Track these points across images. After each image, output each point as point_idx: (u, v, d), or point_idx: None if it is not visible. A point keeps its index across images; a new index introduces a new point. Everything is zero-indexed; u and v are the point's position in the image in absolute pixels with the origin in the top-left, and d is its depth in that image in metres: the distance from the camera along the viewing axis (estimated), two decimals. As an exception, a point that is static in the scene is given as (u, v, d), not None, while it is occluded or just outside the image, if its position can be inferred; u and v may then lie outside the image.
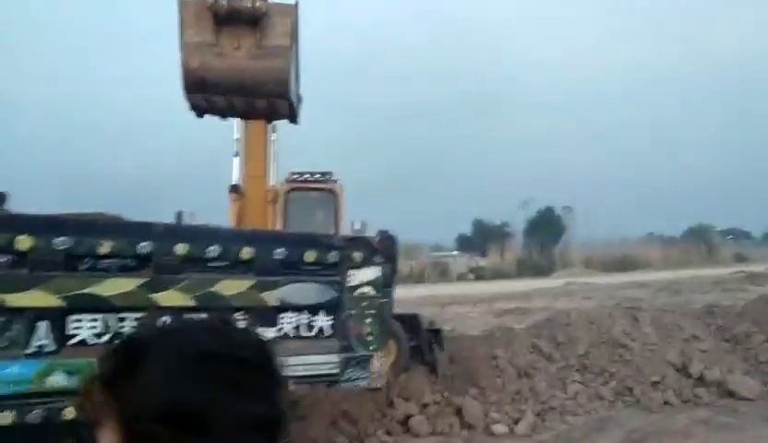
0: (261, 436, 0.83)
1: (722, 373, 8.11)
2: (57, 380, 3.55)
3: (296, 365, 4.37)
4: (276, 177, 8.61)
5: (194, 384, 0.79)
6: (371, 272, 4.70)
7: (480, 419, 7.01)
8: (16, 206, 3.88)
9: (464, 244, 61.65)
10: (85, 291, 3.65)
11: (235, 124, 7.91)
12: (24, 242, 3.46)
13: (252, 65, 5.32)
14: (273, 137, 8.17)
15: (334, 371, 4.54)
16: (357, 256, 4.65)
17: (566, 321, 9.45)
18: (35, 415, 3.48)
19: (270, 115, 6.62)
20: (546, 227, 59.34)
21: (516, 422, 7.01)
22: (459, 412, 7.06)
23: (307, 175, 8.76)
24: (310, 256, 4.47)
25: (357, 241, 4.72)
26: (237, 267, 4.22)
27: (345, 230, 8.47)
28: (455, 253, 57.04)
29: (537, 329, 9.31)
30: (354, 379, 4.59)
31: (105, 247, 3.71)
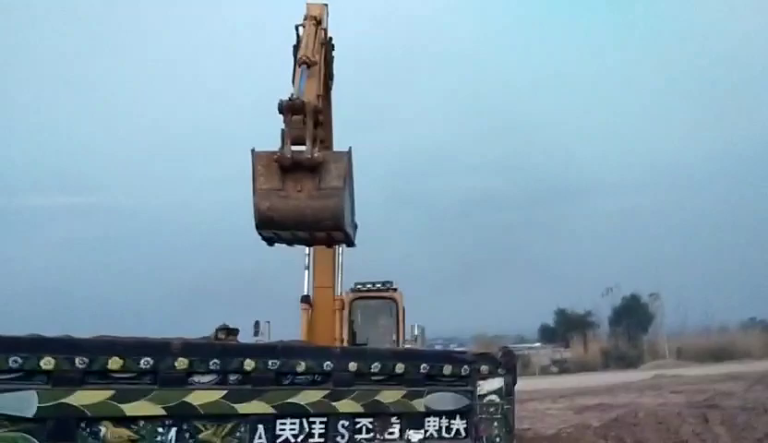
0: None
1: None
2: (271, 470, 4.68)
3: (440, 461, 5.34)
4: (342, 287, 9.78)
5: None
6: (496, 382, 5.69)
7: None
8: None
9: (547, 334, 60.43)
10: (288, 400, 4.82)
11: None
12: (249, 364, 4.69)
13: (311, 205, 6.19)
14: (340, 250, 9.40)
15: (470, 467, 5.47)
16: (484, 368, 5.67)
17: (633, 421, 9.74)
18: (256, 499, 4.59)
19: (329, 243, 7.73)
20: (633, 316, 57.65)
21: None
22: None
23: (369, 285, 9.90)
24: (447, 369, 5.53)
25: (484, 356, 5.73)
26: (393, 379, 5.31)
27: (406, 333, 9.45)
28: (537, 345, 56.07)
29: (604, 430, 9.64)
30: (486, 475, 5.50)
31: (301, 366, 4.90)
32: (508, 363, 5.80)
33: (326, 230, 6.58)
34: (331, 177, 6.17)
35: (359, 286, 9.80)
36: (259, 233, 6.61)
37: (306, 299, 9.30)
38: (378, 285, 9.77)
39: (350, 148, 6.50)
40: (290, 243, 7.24)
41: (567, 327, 57.35)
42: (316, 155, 6.18)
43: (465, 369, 5.59)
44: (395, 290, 9.71)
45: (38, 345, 4.06)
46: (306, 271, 9.53)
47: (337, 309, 9.20)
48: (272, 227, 6.50)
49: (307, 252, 9.51)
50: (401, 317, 9.47)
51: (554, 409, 18.87)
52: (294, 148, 6.17)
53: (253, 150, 6.31)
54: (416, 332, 8.72)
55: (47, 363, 4.01)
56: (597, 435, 9.53)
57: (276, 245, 7.81)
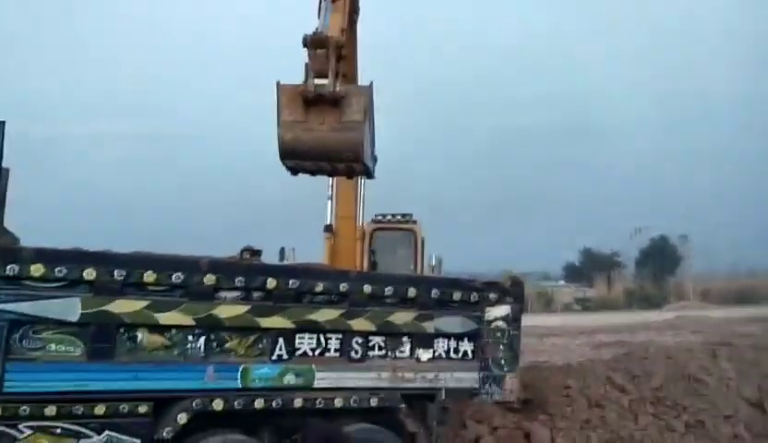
0: None
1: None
2: (289, 379, 5.13)
3: (447, 379, 5.76)
4: (363, 218, 10.09)
5: None
6: (503, 309, 6.03)
7: None
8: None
9: (572, 273, 60.65)
10: (306, 317, 5.22)
11: None
12: (271, 283, 5.08)
13: (333, 137, 6.43)
14: (362, 182, 9.66)
15: (475, 386, 5.88)
16: (493, 296, 6.00)
17: (644, 355, 9.88)
18: (276, 403, 5.06)
19: (349, 174, 7.96)
20: (660, 257, 57.37)
21: None
22: (527, 436, 7.73)
23: (390, 216, 10.17)
24: (457, 295, 5.87)
25: (493, 284, 6.05)
26: (405, 302, 5.67)
27: (425, 265, 9.77)
28: (561, 283, 56.42)
29: (615, 363, 9.72)
30: (490, 393, 5.91)
31: (319, 287, 5.28)
32: (516, 291, 6.12)
33: (346, 161, 6.84)
34: (353, 111, 6.36)
35: (379, 217, 10.12)
36: (283, 163, 6.94)
37: (328, 228, 9.76)
38: (398, 217, 10.07)
39: (371, 82, 6.66)
40: (312, 173, 7.50)
41: (592, 266, 57.46)
42: (338, 89, 6.35)
43: (474, 296, 5.92)
44: (414, 222, 9.99)
45: (80, 258, 4.48)
46: (330, 202, 9.97)
47: (358, 239, 9.62)
48: (295, 157, 6.78)
49: (331, 183, 9.93)
50: (419, 248, 9.78)
51: (572, 344, 19.29)
52: (318, 81, 6.39)
53: (278, 83, 6.51)
54: (434, 263, 9.07)
55: (89, 274, 4.43)
56: (606, 366, 9.82)
57: (300, 175, 8.18)
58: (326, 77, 6.31)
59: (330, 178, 9.28)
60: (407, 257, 9.81)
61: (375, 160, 7.29)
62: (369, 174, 7.55)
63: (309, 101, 6.36)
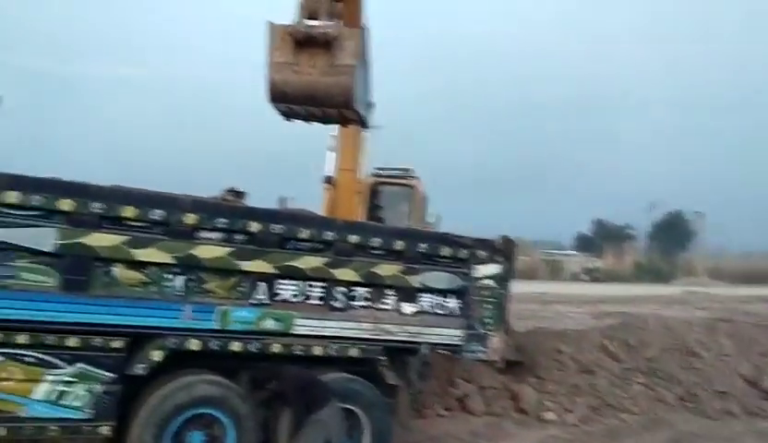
0: None
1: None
2: (268, 324, 5.08)
3: (431, 334, 5.69)
4: (365, 171, 9.86)
5: None
6: (493, 268, 5.91)
7: (534, 406, 7.70)
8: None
9: (583, 244, 60.29)
10: (289, 263, 5.14)
11: None
12: (254, 226, 4.98)
13: (323, 81, 6.27)
14: (364, 134, 9.42)
15: (459, 343, 5.81)
16: (482, 254, 5.87)
17: (641, 326, 9.79)
18: (253, 347, 5.02)
19: (342, 122, 7.75)
20: (673, 232, 56.81)
21: (568, 412, 7.64)
22: (515, 397, 7.78)
23: (389, 171, 9.92)
24: (445, 251, 5.75)
25: (483, 242, 5.92)
26: (391, 255, 5.56)
27: (423, 222, 9.55)
28: (571, 252, 56.12)
29: (611, 331, 9.66)
30: (474, 351, 5.85)
31: (303, 234, 5.18)
32: (507, 251, 5.99)
33: (336, 107, 6.65)
34: (345, 54, 6.16)
35: (379, 171, 9.94)
36: (274, 108, 6.76)
37: (328, 180, 9.57)
38: (398, 171, 9.88)
39: (364, 25, 6.41)
40: (305, 119, 7.35)
41: (604, 237, 57.01)
42: (329, 30, 6.16)
43: (463, 252, 5.80)
44: (415, 177, 9.79)
45: (57, 187, 4.39)
46: (331, 152, 9.75)
47: (358, 192, 9.46)
48: (284, 101, 6.61)
49: (334, 133, 9.72)
50: (417, 204, 9.60)
51: (575, 313, 19.16)
52: (310, 22, 6.18)
53: (270, 23, 6.31)
54: (431, 220, 8.89)
55: (65, 204, 4.35)
56: (602, 334, 9.74)
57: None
58: (318, 17, 6.07)
59: (333, 128, 9.10)
60: (405, 213, 9.62)
61: (370, 106, 7.07)
62: (363, 123, 7.35)
63: (301, 42, 6.17)
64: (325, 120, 7.47)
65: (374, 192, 9.81)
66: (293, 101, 6.61)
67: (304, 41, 6.19)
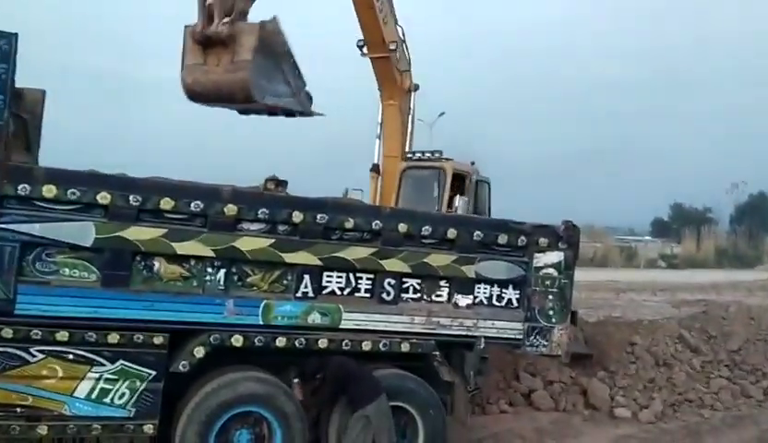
0: None
1: None
2: (314, 318, 4.86)
3: (488, 328, 5.33)
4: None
5: None
6: (555, 256, 5.48)
7: (605, 401, 7.30)
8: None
9: (660, 229, 57.67)
10: (335, 254, 4.89)
11: (379, 108, 9.38)
12: (298, 216, 4.76)
13: (225, 78, 6.29)
14: (410, 119, 9.11)
15: (519, 336, 5.43)
16: (543, 241, 5.45)
17: (723, 315, 9.23)
18: (299, 342, 4.81)
19: (269, 113, 7.20)
20: (757, 215, 53.54)
21: (643, 408, 7.18)
22: (584, 392, 7.40)
23: (420, 154, 9.58)
24: (503, 239, 5.36)
25: (544, 228, 5.49)
26: (444, 244, 5.23)
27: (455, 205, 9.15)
28: (647, 238, 53.83)
29: (690, 321, 9.14)
30: (536, 345, 5.44)
31: (350, 223, 4.92)
32: (570, 237, 5.53)
33: (239, 102, 6.61)
34: (243, 50, 6.14)
35: (410, 155, 9.65)
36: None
37: (375, 168, 9.59)
38: (428, 154, 9.54)
39: (274, 17, 6.28)
40: (248, 114, 7.22)
41: (682, 222, 54.25)
42: (219, 29, 6.13)
43: (522, 240, 5.39)
44: (446, 159, 9.40)
45: (94, 180, 4.30)
46: (378, 141, 9.72)
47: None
48: (198, 100, 6.66)
49: (379, 121, 9.71)
50: (446, 186, 9.20)
51: (651, 301, 18.26)
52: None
53: (185, 27, 6.34)
54: (457, 204, 8.47)
55: (103, 197, 4.25)
56: (680, 325, 9.10)
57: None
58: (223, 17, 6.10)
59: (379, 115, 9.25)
60: (434, 198, 9.26)
61: (300, 95, 6.85)
62: (291, 113, 7.11)
63: (207, 43, 6.25)
64: (248, 112, 7.30)
65: (404, 177, 9.52)
66: (206, 101, 6.65)
67: (206, 43, 6.25)
